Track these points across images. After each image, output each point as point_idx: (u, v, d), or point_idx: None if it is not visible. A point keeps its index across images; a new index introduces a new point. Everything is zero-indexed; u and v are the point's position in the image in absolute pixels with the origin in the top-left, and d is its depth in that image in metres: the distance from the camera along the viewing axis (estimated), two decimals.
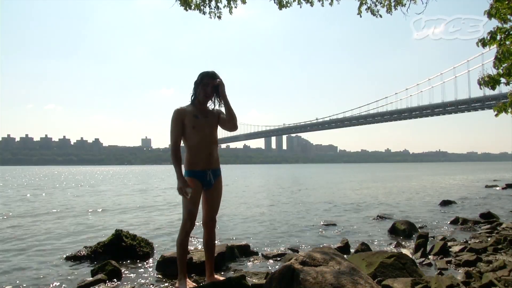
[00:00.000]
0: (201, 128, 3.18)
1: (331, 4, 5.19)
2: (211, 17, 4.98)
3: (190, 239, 6.10)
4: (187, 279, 3.36)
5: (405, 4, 5.13)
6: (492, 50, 4.78)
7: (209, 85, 3.21)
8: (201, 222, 3.41)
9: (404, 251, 5.03)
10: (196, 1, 4.85)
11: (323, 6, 5.17)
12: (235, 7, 5.05)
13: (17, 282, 4.11)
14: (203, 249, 4.89)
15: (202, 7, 4.91)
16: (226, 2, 4.97)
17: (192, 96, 3.30)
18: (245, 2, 5.06)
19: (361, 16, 5.31)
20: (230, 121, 3.22)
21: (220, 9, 5.00)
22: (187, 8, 4.82)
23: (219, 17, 5.04)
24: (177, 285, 3.30)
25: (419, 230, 6.50)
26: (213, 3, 4.93)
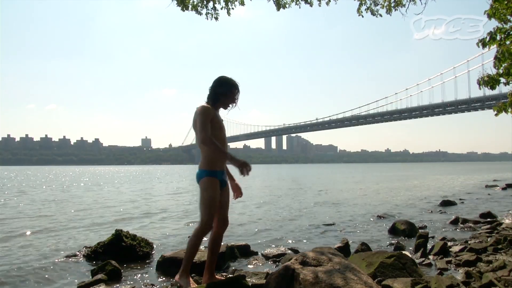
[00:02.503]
0: (223, 130, 3.21)
1: (327, 3, 5.19)
2: (207, 18, 4.95)
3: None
4: (190, 279, 3.34)
5: (404, 4, 5.14)
6: (492, 50, 4.78)
7: (235, 97, 3.24)
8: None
9: (404, 251, 5.03)
10: (193, 2, 4.83)
11: (320, 6, 5.17)
12: (233, 8, 5.02)
13: (17, 282, 4.11)
14: (203, 249, 4.89)
15: (199, 8, 4.88)
16: (224, 4, 4.95)
17: (211, 98, 3.20)
18: (244, 4, 5.04)
19: (362, 16, 5.32)
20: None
21: (218, 10, 4.97)
22: (184, 9, 4.79)
23: (216, 18, 5.00)
24: (177, 278, 3.24)
25: (419, 230, 6.50)
26: (210, 4, 4.90)
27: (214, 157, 3.11)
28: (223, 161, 3.19)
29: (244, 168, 2.91)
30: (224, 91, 3.20)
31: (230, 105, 3.28)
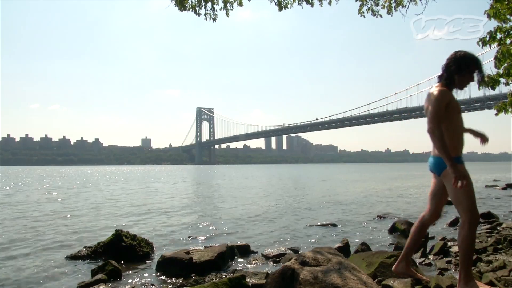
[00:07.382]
0: (460, 113, 2.89)
1: (329, 3, 5.19)
2: (206, 19, 4.95)
3: (191, 239, 6.11)
4: (476, 282, 2.90)
5: (405, 5, 5.13)
6: (491, 51, 4.78)
7: (473, 74, 2.83)
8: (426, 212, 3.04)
9: None
10: (191, 2, 4.82)
11: (321, 6, 5.17)
12: (232, 9, 5.02)
13: (18, 281, 4.12)
14: (203, 249, 4.90)
15: (197, 9, 4.88)
16: (222, 5, 4.94)
17: (445, 79, 2.85)
18: (242, 5, 5.04)
19: (364, 17, 5.33)
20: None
21: (216, 11, 4.97)
22: (182, 9, 4.79)
23: (214, 19, 5.00)
24: None
25: None
26: (209, 5, 4.90)
27: (458, 144, 2.82)
28: (462, 146, 2.90)
29: (461, 180, 2.61)
30: (458, 70, 2.76)
31: (467, 84, 2.85)
